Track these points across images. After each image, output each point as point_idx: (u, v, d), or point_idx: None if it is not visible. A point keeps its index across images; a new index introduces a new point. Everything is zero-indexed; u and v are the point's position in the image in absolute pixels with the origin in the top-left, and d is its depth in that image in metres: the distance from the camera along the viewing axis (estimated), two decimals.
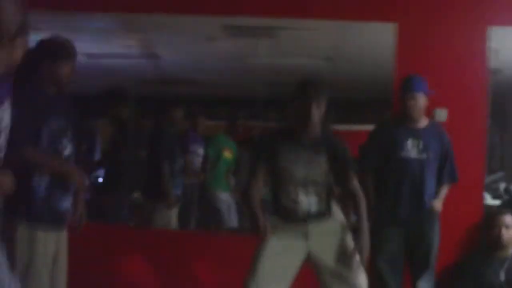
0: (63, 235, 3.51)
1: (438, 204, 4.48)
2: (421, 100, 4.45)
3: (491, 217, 4.54)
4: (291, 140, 3.67)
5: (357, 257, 3.68)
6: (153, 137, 5.87)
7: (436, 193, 4.50)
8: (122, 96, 5.83)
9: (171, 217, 5.76)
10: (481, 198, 4.90)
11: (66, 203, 3.47)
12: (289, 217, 3.67)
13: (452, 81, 4.81)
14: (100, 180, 6.60)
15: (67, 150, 3.46)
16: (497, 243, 4.44)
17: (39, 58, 3.41)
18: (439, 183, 4.52)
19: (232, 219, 6.37)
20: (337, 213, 3.97)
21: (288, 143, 3.67)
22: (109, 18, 6.21)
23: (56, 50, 3.46)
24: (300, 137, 3.66)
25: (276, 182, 3.70)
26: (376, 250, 4.41)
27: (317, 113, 3.58)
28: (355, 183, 3.76)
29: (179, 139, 6.01)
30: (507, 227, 4.43)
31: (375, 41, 5.91)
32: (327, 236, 3.67)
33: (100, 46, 7.43)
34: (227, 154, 6.50)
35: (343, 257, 3.66)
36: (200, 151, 6.47)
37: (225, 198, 6.41)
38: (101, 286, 4.90)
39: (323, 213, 3.70)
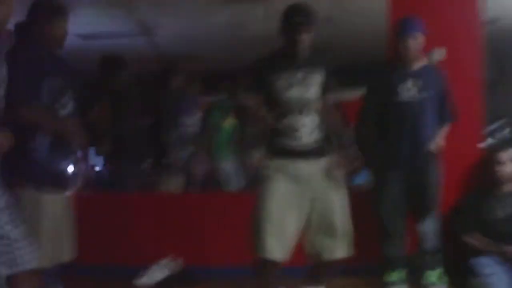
0: (68, 197, 3.54)
1: (438, 143, 4.44)
2: (418, 40, 4.40)
3: (487, 154, 4.56)
4: (284, 64, 3.62)
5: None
6: (156, 104, 5.84)
7: (435, 134, 4.48)
8: (118, 63, 5.79)
9: (178, 183, 5.78)
10: (480, 138, 4.87)
11: (66, 164, 3.46)
12: (287, 150, 3.62)
13: (446, 21, 4.78)
14: (98, 169, 6.64)
15: (68, 108, 3.50)
16: (493, 180, 4.42)
17: (34, 18, 3.48)
18: (438, 123, 4.48)
19: (233, 185, 6.32)
20: None
21: (281, 67, 3.62)
22: None
23: (50, 10, 3.51)
24: (293, 60, 3.62)
25: (275, 111, 3.64)
26: (378, 195, 4.46)
27: (307, 37, 3.56)
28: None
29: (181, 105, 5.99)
30: (501, 163, 4.40)
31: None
32: (321, 180, 3.63)
33: (94, 27, 7.44)
34: (227, 123, 6.36)
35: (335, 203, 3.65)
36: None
37: (227, 167, 6.37)
38: (114, 248, 4.98)
39: (321, 147, 3.66)
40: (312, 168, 3.62)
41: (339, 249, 3.63)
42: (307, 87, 3.62)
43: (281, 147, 3.64)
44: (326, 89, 3.71)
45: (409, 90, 4.39)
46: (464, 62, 4.78)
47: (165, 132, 5.66)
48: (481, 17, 4.85)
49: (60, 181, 3.43)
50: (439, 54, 4.75)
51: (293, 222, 3.59)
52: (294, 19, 3.54)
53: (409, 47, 4.38)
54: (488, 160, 4.46)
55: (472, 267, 4.13)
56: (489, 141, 6.03)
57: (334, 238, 3.61)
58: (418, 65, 4.47)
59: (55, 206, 3.42)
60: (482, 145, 4.89)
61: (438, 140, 4.45)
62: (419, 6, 4.75)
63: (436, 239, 4.43)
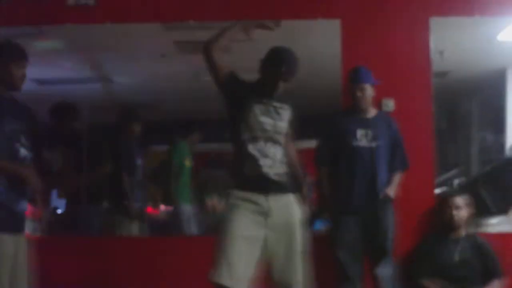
0: (23, 238, 3.50)
1: (391, 191, 4.55)
2: (369, 91, 4.58)
3: (442, 200, 4.64)
4: (260, 93, 3.65)
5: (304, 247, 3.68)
6: (113, 149, 5.85)
7: (389, 181, 4.59)
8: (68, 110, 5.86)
9: (133, 229, 5.75)
10: (433, 184, 4.97)
11: (23, 206, 3.47)
12: (254, 181, 3.63)
13: (397, 72, 4.93)
14: (59, 211, 6.58)
15: (22, 153, 3.47)
16: (449, 224, 4.52)
17: None
18: (391, 171, 4.61)
19: (191, 229, 6.32)
20: None
21: (258, 94, 3.64)
22: (58, 38, 6.24)
23: (8, 52, 3.53)
24: (268, 94, 3.66)
25: (244, 135, 3.63)
26: (334, 239, 4.52)
27: (282, 85, 3.62)
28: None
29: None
30: (457, 208, 4.51)
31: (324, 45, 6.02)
32: (282, 216, 3.64)
33: (51, 72, 7.43)
34: (188, 163, 6.42)
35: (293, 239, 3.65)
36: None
37: (187, 210, 6.35)
38: None
39: (286, 184, 3.70)
40: (274, 203, 3.63)
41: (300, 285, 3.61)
42: (280, 118, 3.68)
43: (246, 177, 3.65)
44: (290, 127, 3.78)
45: (360, 138, 4.53)
46: (415, 112, 4.91)
47: (125, 176, 5.67)
48: (431, 67, 5.01)
49: (15, 222, 3.40)
50: (389, 104, 4.88)
51: (254, 250, 3.58)
52: (281, 67, 3.57)
53: (358, 97, 4.54)
54: (444, 205, 4.57)
55: None
56: (443, 189, 6.16)
57: (294, 278, 3.61)
58: (370, 114, 4.63)
59: (10, 246, 3.35)
60: (435, 192, 4.99)
61: (391, 187, 4.57)
62: (371, 56, 4.89)
63: (393, 283, 4.49)
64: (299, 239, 3.66)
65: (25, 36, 5.45)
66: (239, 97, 3.63)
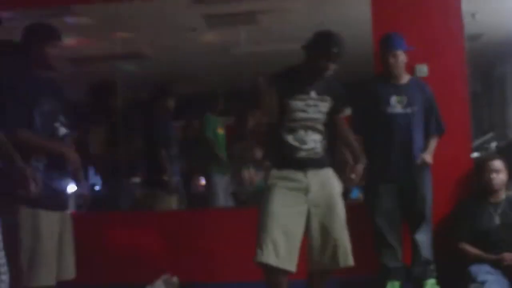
0: (67, 215, 3.58)
1: (428, 157, 4.54)
2: (401, 57, 4.56)
3: (481, 163, 4.60)
4: (299, 85, 3.70)
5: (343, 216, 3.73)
6: (149, 125, 5.90)
7: (425, 146, 4.57)
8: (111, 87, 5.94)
9: (172, 203, 5.81)
10: (470, 148, 4.94)
11: (66, 183, 3.54)
12: (292, 162, 3.70)
13: (430, 36, 4.88)
14: (97, 188, 6.68)
15: (61, 131, 3.53)
16: (488, 188, 4.48)
17: (28, 42, 3.53)
18: (427, 136, 4.59)
19: (227, 201, 6.38)
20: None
21: (296, 87, 3.69)
22: (88, 16, 6.29)
23: (41, 33, 3.56)
24: (308, 83, 3.71)
25: (283, 125, 3.71)
26: (372, 207, 4.54)
27: (333, 68, 3.64)
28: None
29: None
30: (497, 171, 4.47)
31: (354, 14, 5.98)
32: (322, 190, 3.69)
33: (83, 50, 7.48)
34: (221, 131, 6.49)
35: (333, 213, 3.70)
36: None
37: (220, 181, 6.41)
38: (112, 267, 4.97)
39: (323, 159, 3.76)
40: (313, 178, 3.69)
41: (339, 259, 3.66)
42: (317, 110, 3.72)
43: (285, 159, 3.71)
44: (336, 111, 3.84)
45: (395, 105, 4.51)
46: (449, 76, 4.87)
47: (163, 151, 5.73)
48: (464, 32, 4.95)
49: (57, 200, 3.47)
50: (422, 70, 4.84)
51: (297, 226, 3.64)
52: (330, 49, 3.59)
53: (391, 64, 4.52)
54: (482, 168, 4.53)
55: (468, 274, 4.18)
56: (480, 153, 6.12)
57: (335, 248, 3.66)
58: (403, 80, 4.60)
59: (53, 224, 3.43)
60: (472, 156, 4.96)
61: (428, 152, 4.55)
62: (402, 22, 4.86)
63: (431, 248, 4.50)
64: (340, 212, 3.71)
65: (55, 16, 5.55)
66: (279, 95, 3.68)
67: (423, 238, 4.51)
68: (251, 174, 3.67)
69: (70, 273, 3.56)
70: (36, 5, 5.27)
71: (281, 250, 3.55)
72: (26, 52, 3.52)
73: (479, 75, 6.43)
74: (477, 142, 6.26)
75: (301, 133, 3.70)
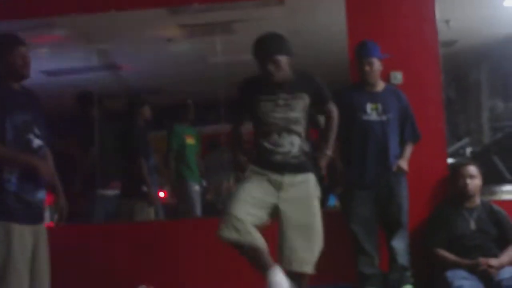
0: (41, 228, 3.53)
1: (403, 164, 4.56)
2: (377, 65, 4.58)
3: (456, 169, 4.62)
4: (266, 88, 3.70)
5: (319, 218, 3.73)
6: (127, 135, 5.89)
7: (400, 153, 4.59)
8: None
9: (151, 213, 5.79)
10: (445, 154, 4.95)
11: (40, 195, 3.50)
12: (269, 164, 3.71)
13: (404, 44, 4.93)
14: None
15: (35, 143, 3.49)
16: (463, 193, 4.51)
17: None
18: (402, 143, 4.61)
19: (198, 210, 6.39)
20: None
21: (263, 90, 3.70)
22: (64, 28, 6.26)
23: (8, 42, 3.53)
24: (273, 85, 3.70)
25: (258, 130, 3.75)
26: (348, 214, 4.54)
27: (276, 67, 3.63)
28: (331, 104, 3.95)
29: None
30: (471, 177, 4.50)
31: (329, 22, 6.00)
32: (297, 191, 3.70)
33: (58, 63, 7.44)
34: (190, 141, 6.45)
35: (308, 213, 3.70)
36: None
37: (197, 189, 6.40)
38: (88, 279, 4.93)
39: (302, 163, 3.75)
40: (288, 181, 3.70)
41: (293, 262, 3.64)
42: (291, 109, 3.71)
43: (262, 162, 3.74)
44: (320, 103, 3.88)
45: (370, 112, 4.53)
46: (423, 83, 4.90)
47: (143, 162, 5.71)
48: (439, 39, 4.98)
49: (31, 213, 3.43)
50: (397, 77, 4.87)
51: (261, 212, 3.64)
52: (261, 51, 3.63)
53: (367, 72, 4.55)
54: (457, 174, 4.55)
55: (444, 280, 4.18)
56: (456, 159, 6.13)
57: (291, 251, 3.64)
58: (378, 88, 4.62)
59: (26, 238, 3.38)
60: (448, 162, 4.98)
61: (404, 159, 4.58)
62: (377, 29, 4.90)
63: (407, 255, 4.52)
64: (314, 215, 3.70)
65: (31, 29, 5.52)
66: (249, 101, 3.72)
67: (400, 244, 4.51)
68: (230, 185, 3.69)
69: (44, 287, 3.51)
70: (11, 18, 5.23)
71: (243, 225, 3.55)
72: None
73: (453, 81, 6.46)
74: (453, 148, 6.29)
75: (275, 136, 3.70)
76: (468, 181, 4.48)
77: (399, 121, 4.59)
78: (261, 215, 3.65)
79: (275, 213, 3.69)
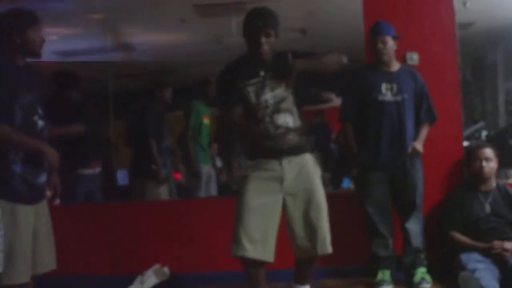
0: (43, 207, 3.52)
1: (419, 145, 4.51)
2: (390, 43, 4.53)
3: (472, 151, 4.57)
4: (249, 70, 3.62)
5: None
6: (139, 115, 5.87)
7: (416, 135, 4.56)
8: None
9: (161, 193, 5.79)
10: (461, 137, 4.91)
11: (43, 178, 3.49)
12: (265, 151, 3.65)
13: (421, 25, 4.86)
14: None
15: (39, 125, 3.46)
16: (479, 176, 4.47)
17: (7, 29, 3.41)
18: (418, 124, 4.57)
19: (211, 190, 6.37)
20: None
21: (246, 74, 3.62)
22: (78, 6, 6.27)
23: (22, 19, 3.46)
24: (257, 65, 3.61)
25: (249, 116, 3.65)
26: (362, 196, 4.52)
27: (266, 41, 3.54)
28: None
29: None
30: (487, 159, 4.46)
31: (345, 3, 5.95)
32: (298, 178, 3.65)
33: (73, 43, 7.46)
34: (206, 121, 6.37)
35: (312, 200, 3.64)
36: None
37: (206, 171, 6.39)
38: (101, 257, 4.96)
39: (298, 144, 3.68)
40: (288, 166, 3.64)
41: (317, 246, 3.61)
42: (277, 86, 3.62)
43: (257, 148, 3.67)
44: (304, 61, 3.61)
45: (385, 92, 4.49)
46: (440, 65, 4.84)
47: (153, 141, 5.69)
48: (455, 21, 4.93)
49: (34, 193, 3.42)
50: (413, 58, 4.83)
51: (272, 216, 3.62)
52: (254, 23, 3.53)
53: (380, 50, 4.50)
54: (473, 156, 4.50)
55: (458, 262, 4.17)
56: (472, 141, 6.10)
57: (312, 235, 3.62)
58: (394, 68, 4.58)
59: (29, 219, 3.37)
60: (463, 144, 4.94)
61: (419, 141, 4.54)
62: (393, 11, 4.84)
63: (422, 237, 4.50)
64: (317, 199, 3.66)
65: (44, 9, 5.51)
66: (234, 88, 3.61)
67: (414, 227, 4.50)
68: (240, 166, 3.65)
69: (47, 265, 3.50)
70: None
71: (256, 241, 3.55)
72: (6, 40, 3.40)
73: (470, 63, 6.43)
74: (468, 131, 6.26)
75: (267, 119, 3.61)
76: (484, 163, 4.44)
77: (414, 101, 4.54)
78: (273, 220, 3.62)
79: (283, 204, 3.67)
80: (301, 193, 3.64)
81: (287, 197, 3.64)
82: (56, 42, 7.06)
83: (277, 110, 3.62)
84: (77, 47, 7.61)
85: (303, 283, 3.80)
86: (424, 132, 4.58)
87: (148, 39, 7.69)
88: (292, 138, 3.66)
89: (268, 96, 3.62)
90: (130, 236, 5.00)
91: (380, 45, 4.50)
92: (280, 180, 3.63)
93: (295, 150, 3.67)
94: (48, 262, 3.51)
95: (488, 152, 4.49)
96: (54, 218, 3.59)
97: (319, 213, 3.63)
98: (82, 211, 5.13)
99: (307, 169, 3.68)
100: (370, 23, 4.69)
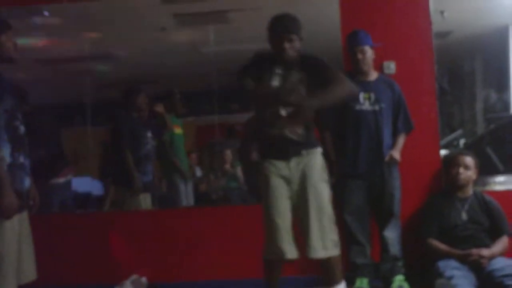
0: (24, 215, 3.50)
1: (396, 154, 4.55)
2: (369, 53, 4.57)
3: (452, 158, 4.60)
4: (273, 65, 3.68)
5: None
6: (113, 124, 5.84)
7: (393, 143, 4.58)
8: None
9: (140, 203, 5.74)
10: (438, 145, 4.94)
11: (27, 183, 3.48)
12: (275, 147, 3.72)
13: (398, 34, 4.92)
14: None
15: (21, 130, 3.45)
16: (455, 183, 4.50)
17: None
18: (395, 133, 4.60)
19: (188, 199, 6.36)
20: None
21: (270, 68, 3.68)
22: (57, 16, 6.23)
23: None
24: (280, 63, 3.68)
25: (264, 107, 3.72)
26: (340, 204, 4.53)
27: (289, 46, 3.63)
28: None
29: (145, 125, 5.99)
30: (465, 167, 4.49)
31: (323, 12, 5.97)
32: (304, 182, 3.70)
33: (52, 52, 7.40)
34: (179, 131, 6.39)
35: (316, 201, 3.69)
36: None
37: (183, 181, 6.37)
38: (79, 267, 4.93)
39: (305, 140, 3.74)
40: (295, 168, 3.70)
41: (317, 249, 3.65)
42: (289, 79, 3.68)
43: (268, 144, 3.76)
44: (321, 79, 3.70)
45: (363, 102, 4.51)
46: (417, 73, 4.89)
47: (128, 152, 5.65)
48: (433, 30, 4.97)
49: (20, 200, 3.38)
50: (390, 67, 4.87)
51: (288, 213, 3.71)
52: (278, 31, 3.65)
53: (359, 60, 4.53)
54: (451, 164, 4.54)
55: (436, 269, 4.19)
56: (449, 150, 6.13)
57: (311, 237, 3.65)
58: (371, 77, 4.61)
59: (16, 226, 3.35)
60: (441, 153, 4.97)
61: (396, 149, 4.57)
62: (370, 19, 4.89)
63: (400, 245, 4.51)
64: (318, 203, 3.69)
65: (23, 16, 5.49)
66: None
67: (392, 234, 4.53)
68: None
69: (30, 275, 3.48)
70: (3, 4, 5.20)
71: (291, 243, 3.65)
72: None
73: (447, 72, 6.45)
74: (446, 139, 6.28)
75: (276, 111, 3.65)
76: (461, 170, 4.47)
77: (392, 111, 4.59)
78: (289, 217, 3.70)
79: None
80: (303, 197, 3.68)
81: (294, 197, 3.70)
82: (36, 50, 7.03)
83: (284, 102, 3.64)
84: (56, 55, 7.55)
85: (330, 285, 3.80)
86: (401, 141, 4.62)
87: (127, 47, 7.65)
88: (297, 132, 3.71)
89: (280, 84, 3.67)
90: (108, 246, 4.96)
91: (359, 56, 4.53)
92: (288, 181, 3.71)
93: (301, 147, 3.72)
94: (30, 272, 3.48)
95: (468, 160, 4.52)
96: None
97: (316, 218, 3.67)
98: (58, 220, 5.10)
99: (311, 173, 3.72)
100: (347, 31, 4.73)
